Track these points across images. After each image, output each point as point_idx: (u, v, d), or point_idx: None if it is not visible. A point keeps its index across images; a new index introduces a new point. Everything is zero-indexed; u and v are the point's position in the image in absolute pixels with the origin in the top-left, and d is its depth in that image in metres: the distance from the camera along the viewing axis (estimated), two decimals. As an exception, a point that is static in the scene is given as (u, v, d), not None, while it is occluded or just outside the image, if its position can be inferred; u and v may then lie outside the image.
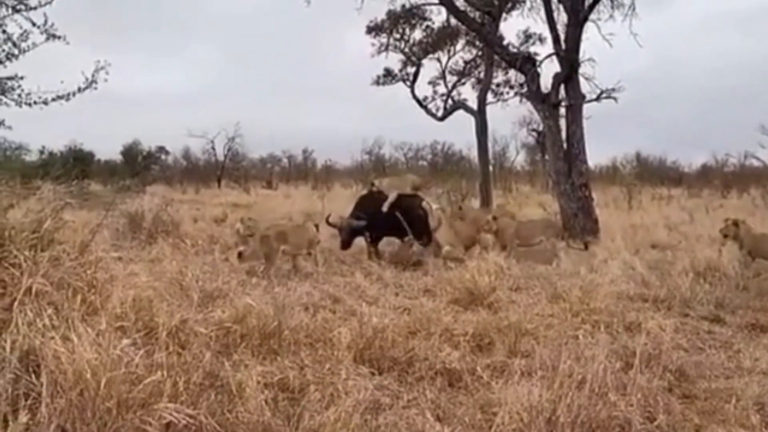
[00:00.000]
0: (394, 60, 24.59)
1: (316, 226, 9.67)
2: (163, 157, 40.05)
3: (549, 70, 14.27)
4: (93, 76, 8.69)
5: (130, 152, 35.52)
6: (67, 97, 8.73)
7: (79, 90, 8.63)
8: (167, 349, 3.86)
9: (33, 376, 3.16)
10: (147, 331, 4.19)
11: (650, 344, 5.22)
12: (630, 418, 3.55)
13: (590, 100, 13.91)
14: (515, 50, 16.43)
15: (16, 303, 3.74)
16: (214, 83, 78.09)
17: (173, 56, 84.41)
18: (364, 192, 12.61)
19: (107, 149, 37.32)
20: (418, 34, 23.77)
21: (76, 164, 21.48)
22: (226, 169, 45.31)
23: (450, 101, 24.36)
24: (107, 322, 3.74)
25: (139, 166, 30.46)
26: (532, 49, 20.57)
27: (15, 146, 22.65)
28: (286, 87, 77.86)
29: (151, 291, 4.99)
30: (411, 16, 22.77)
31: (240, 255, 8.73)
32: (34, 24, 8.72)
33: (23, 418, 2.78)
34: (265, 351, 4.60)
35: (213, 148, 45.85)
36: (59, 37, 8.67)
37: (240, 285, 7.11)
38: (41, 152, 27.62)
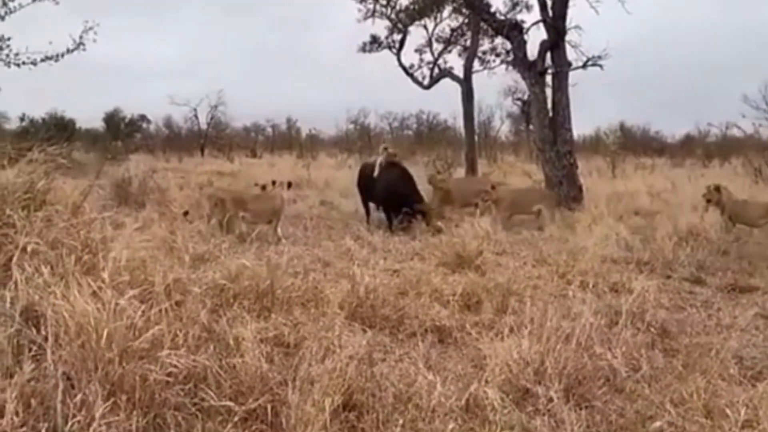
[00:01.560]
0: (380, 27, 24.33)
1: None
2: (144, 125, 39.56)
3: (536, 37, 14.27)
4: (81, 37, 8.59)
5: (112, 120, 35.00)
6: (55, 57, 8.66)
7: (68, 51, 8.57)
8: (162, 304, 3.92)
9: (34, 330, 3.20)
10: (142, 289, 4.23)
11: (634, 303, 5.39)
12: (615, 369, 3.69)
13: (576, 68, 13.93)
14: (502, 17, 16.31)
15: (13, 261, 3.76)
16: (196, 51, 76.72)
17: (153, 23, 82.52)
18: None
19: (88, 117, 36.61)
20: (404, 1, 23.52)
21: (58, 132, 21.22)
22: (209, 138, 44.80)
23: (436, 69, 24.18)
24: (103, 280, 3.77)
25: (121, 134, 30.05)
26: (519, 17, 20.45)
27: (-6, 112, 22.26)
28: (271, 56, 76.80)
29: (143, 252, 5.02)
30: (397, -19, 22.49)
31: (185, 214, 8.80)
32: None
33: (28, 368, 2.83)
34: (259, 309, 4.68)
35: (196, 117, 45.22)
36: None
37: (230, 249, 7.14)
38: (21, 119, 27.19)
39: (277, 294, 4.86)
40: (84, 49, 8.58)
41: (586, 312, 4.49)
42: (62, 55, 8.56)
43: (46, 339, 3.07)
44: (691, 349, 4.42)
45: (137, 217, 9.39)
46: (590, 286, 6.05)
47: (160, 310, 3.58)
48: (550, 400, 3.33)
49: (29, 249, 4.06)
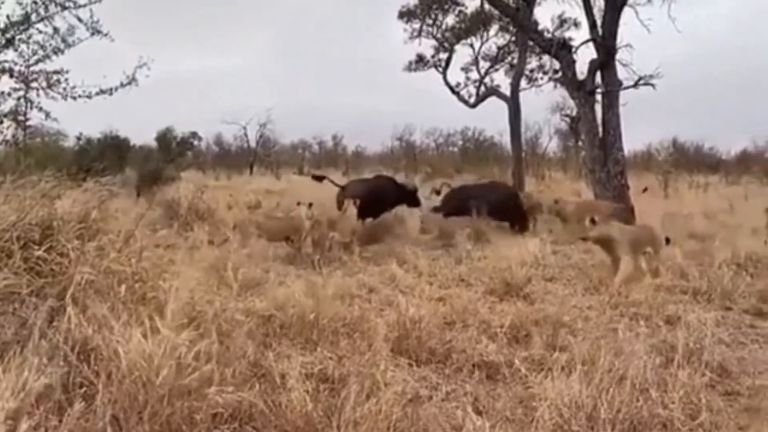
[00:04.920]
0: (426, 46, 24.42)
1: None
2: (195, 143, 40.50)
3: (584, 56, 14.03)
4: (134, 72, 8.97)
5: (164, 138, 35.97)
6: (109, 91, 9.02)
7: (122, 85, 8.91)
8: (211, 338, 3.95)
9: (85, 365, 3.26)
10: (190, 320, 4.28)
11: (690, 338, 5.18)
12: (672, 416, 3.53)
13: (627, 87, 13.62)
14: (550, 36, 16.17)
15: (68, 293, 3.85)
16: (246, 70, 78.42)
17: (203, 43, 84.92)
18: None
19: (141, 134, 37.75)
20: (450, 20, 23.58)
21: (112, 150, 21.94)
22: (257, 156, 45.66)
23: (483, 87, 24.14)
24: (166, 314, 3.83)
25: (173, 152, 30.80)
26: (567, 35, 20.25)
27: (53, 132, 23.12)
28: (317, 73, 77.84)
29: (192, 280, 5.10)
30: (444, 1, 22.57)
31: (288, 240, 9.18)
32: (80, 20, 9.02)
33: (78, 406, 2.88)
34: (304, 341, 4.68)
35: (245, 134, 46.22)
36: (104, 34, 8.95)
37: (278, 274, 7.20)
38: (78, 138, 28.17)
39: (322, 325, 4.85)
40: (137, 85, 9.01)
41: (640, 349, 4.35)
42: (116, 89, 8.98)
43: (97, 374, 3.12)
44: (753, 392, 4.21)
45: (186, 237, 9.64)
46: (644, 318, 5.84)
47: (210, 345, 3.62)
48: (604, 449, 3.20)
49: (83, 280, 4.16)
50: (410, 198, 13.29)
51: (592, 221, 7.70)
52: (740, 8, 62.67)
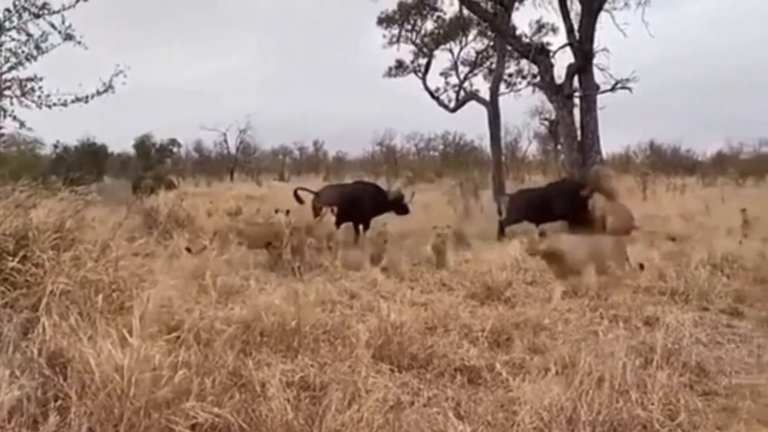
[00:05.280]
0: (405, 51, 24.50)
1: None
2: (175, 150, 40.21)
3: (562, 60, 14.19)
4: (110, 80, 8.88)
5: (143, 145, 35.65)
6: (85, 99, 8.92)
7: (98, 93, 8.81)
8: (190, 347, 3.91)
9: (60, 377, 3.21)
10: (170, 330, 4.23)
11: (669, 339, 5.23)
12: (651, 417, 3.56)
13: (604, 91, 13.85)
14: (528, 41, 16.33)
15: (43, 304, 3.79)
16: (225, 76, 78.13)
17: (180, 49, 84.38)
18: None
19: (120, 142, 37.40)
20: (429, 25, 23.67)
21: (89, 158, 21.70)
22: (238, 162, 45.44)
23: (462, 92, 24.23)
24: (135, 322, 3.78)
25: (152, 159, 30.55)
26: (545, 39, 20.46)
27: (30, 140, 22.83)
28: (298, 79, 77.78)
29: (171, 289, 5.05)
30: (422, 7, 22.66)
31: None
32: (53, 27, 8.91)
33: (53, 419, 2.83)
34: (285, 348, 4.65)
35: (225, 141, 45.96)
36: (77, 41, 8.84)
37: (258, 281, 7.14)
38: (55, 146, 27.83)
39: (303, 332, 4.82)
40: (113, 92, 8.90)
41: (619, 351, 4.38)
42: (92, 97, 8.86)
43: (73, 387, 3.07)
44: (730, 391, 4.26)
45: (166, 246, 9.54)
46: (623, 320, 5.90)
47: (188, 355, 3.58)
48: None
49: (58, 290, 4.10)
50: (396, 206, 12.94)
51: (542, 234, 7.03)
52: (715, 11, 63.94)
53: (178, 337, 3.90)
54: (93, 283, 4.53)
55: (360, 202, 12.46)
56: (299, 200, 12.67)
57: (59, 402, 3.05)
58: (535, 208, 12.09)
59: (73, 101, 8.82)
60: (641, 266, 7.52)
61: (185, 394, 3.18)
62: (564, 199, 12.03)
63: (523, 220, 12.18)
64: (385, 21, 23.38)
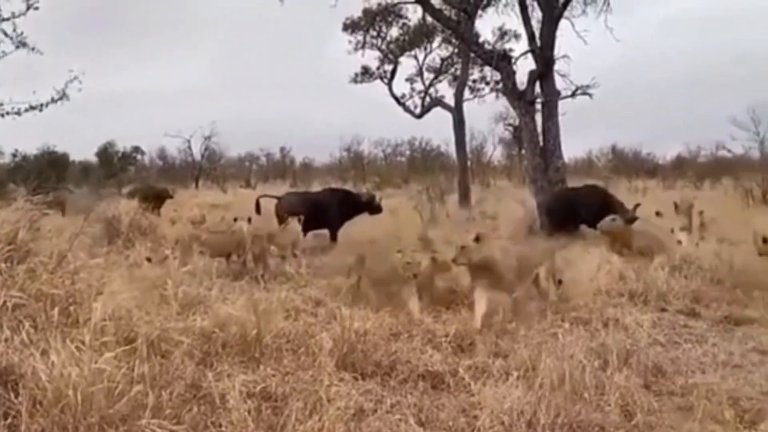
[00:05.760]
0: (371, 57, 24.59)
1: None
2: (138, 157, 39.60)
3: (524, 67, 14.39)
4: (65, 87, 8.71)
5: (105, 153, 35.03)
6: (39, 107, 8.73)
7: (52, 100, 8.62)
8: (148, 360, 3.85)
9: (12, 393, 3.12)
10: (127, 342, 4.15)
11: (628, 341, 5.35)
12: (608, 418, 3.62)
13: (565, 97, 14.06)
14: (491, 47, 16.51)
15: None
16: (189, 82, 77.16)
17: (146, 57, 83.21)
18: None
19: (83, 150, 36.70)
20: (394, 32, 23.83)
21: (50, 169, 21.23)
22: (203, 169, 44.86)
23: (427, 98, 24.44)
24: (87, 335, 3.70)
25: (115, 167, 30.06)
26: (507, 46, 20.72)
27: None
28: (264, 85, 77.36)
29: (130, 300, 4.95)
30: (387, 13, 22.76)
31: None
32: (5, 34, 8.71)
33: (3, 437, 2.75)
34: (247, 359, 4.60)
35: (189, 148, 45.34)
36: (31, 48, 8.65)
37: (220, 290, 7.05)
38: (14, 155, 27.16)
39: (265, 342, 4.78)
40: (68, 99, 8.72)
41: (579, 353, 4.46)
42: (46, 105, 8.67)
43: (24, 404, 2.99)
44: (686, 391, 4.35)
45: (127, 256, 9.37)
46: (583, 322, 5.99)
47: (145, 367, 3.52)
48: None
49: (10, 304, 4.00)
50: (370, 206, 13.30)
51: (476, 239, 6.06)
52: (672, 17, 65.69)
53: (135, 350, 3.81)
54: (48, 296, 4.42)
55: (327, 208, 12.49)
56: (258, 210, 12.59)
57: (9, 420, 2.97)
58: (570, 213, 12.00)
59: (26, 110, 8.63)
60: (560, 282, 7.03)
61: (141, 408, 3.12)
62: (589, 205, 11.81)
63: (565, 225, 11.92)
64: (350, 27, 23.44)
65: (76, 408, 2.92)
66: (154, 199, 17.31)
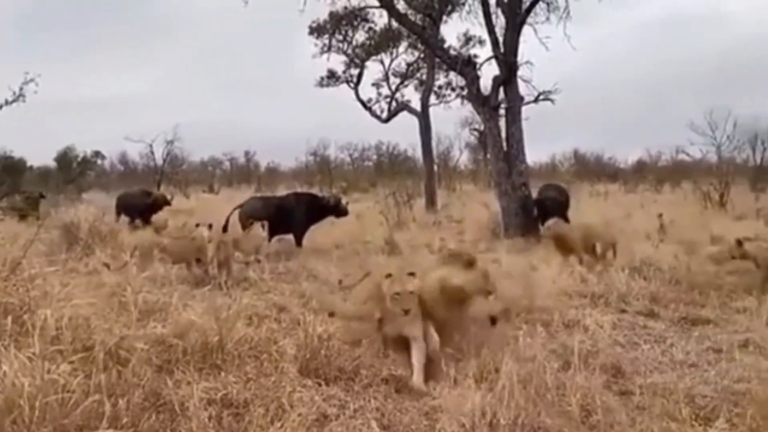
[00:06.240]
0: (337, 62, 24.59)
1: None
2: (99, 162, 38.76)
3: (489, 72, 14.55)
4: (21, 89, 8.49)
5: (65, 158, 34.22)
6: (-6, 108, 8.48)
7: (7, 103, 8.40)
8: (106, 368, 3.76)
9: (-39, 405, 3.02)
10: (84, 351, 4.06)
11: (588, 342, 5.44)
12: (569, 418, 3.67)
13: (528, 102, 14.26)
14: (456, 53, 16.69)
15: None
16: (150, 87, 76.07)
17: (107, 61, 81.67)
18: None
19: (42, 155, 35.78)
20: (360, 36, 23.89)
21: (6, 175, 20.66)
22: (165, 174, 44.07)
23: (394, 103, 24.55)
24: (41, 344, 3.61)
25: (74, 172, 29.40)
26: (472, 52, 20.97)
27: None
28: (227, 89, 76.50)
29: (87, 307, 4.84)
30: (353, 17, 22.79)
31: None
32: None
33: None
34: (208, 366, 4.52)
35: (151, 152, 44.48)
36: None
37: (181, 297, 6.94)
38: (-32, 160, 26.39)
39: (227, 348, 4.71)
40: (24, 101, 8.48)
41: (539, 355, 4.52)
42: (0, 108, 8.43)
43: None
44: (645, 390, 4.44)
45: (86, 263, 9.16)
46: (544, 324, 6.07)
47: (102, 376, 3.44)
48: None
49: (-39, 313, 3.88)
50: (336, 209, 13.29)
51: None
52: (634, 24, 67.30)
53: (92, 358, 3.72)
54: (1, 304, 4.30)
55: (292, 213, 12.41)
56: (225, 227, 12.09)
57: (-42, 433, 2.87)
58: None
59: (-20, 111, 8.40)
60: (493, 320, 5.71)
61: (98, 417, 3.05)
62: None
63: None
64: (316, 30, 23.41)
65: (30, 419, 2.84)
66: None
